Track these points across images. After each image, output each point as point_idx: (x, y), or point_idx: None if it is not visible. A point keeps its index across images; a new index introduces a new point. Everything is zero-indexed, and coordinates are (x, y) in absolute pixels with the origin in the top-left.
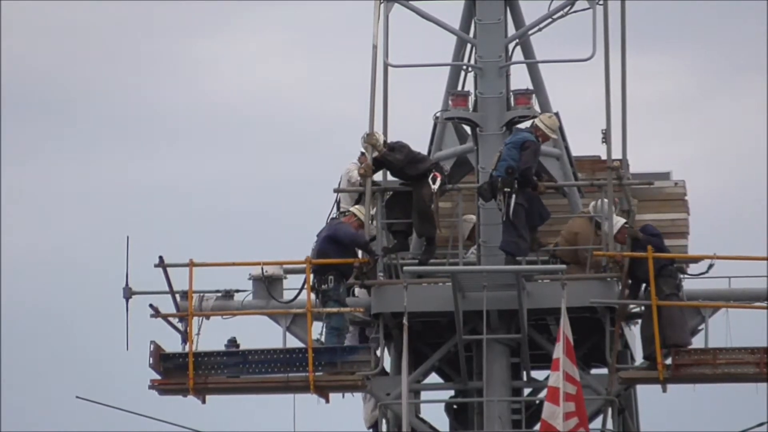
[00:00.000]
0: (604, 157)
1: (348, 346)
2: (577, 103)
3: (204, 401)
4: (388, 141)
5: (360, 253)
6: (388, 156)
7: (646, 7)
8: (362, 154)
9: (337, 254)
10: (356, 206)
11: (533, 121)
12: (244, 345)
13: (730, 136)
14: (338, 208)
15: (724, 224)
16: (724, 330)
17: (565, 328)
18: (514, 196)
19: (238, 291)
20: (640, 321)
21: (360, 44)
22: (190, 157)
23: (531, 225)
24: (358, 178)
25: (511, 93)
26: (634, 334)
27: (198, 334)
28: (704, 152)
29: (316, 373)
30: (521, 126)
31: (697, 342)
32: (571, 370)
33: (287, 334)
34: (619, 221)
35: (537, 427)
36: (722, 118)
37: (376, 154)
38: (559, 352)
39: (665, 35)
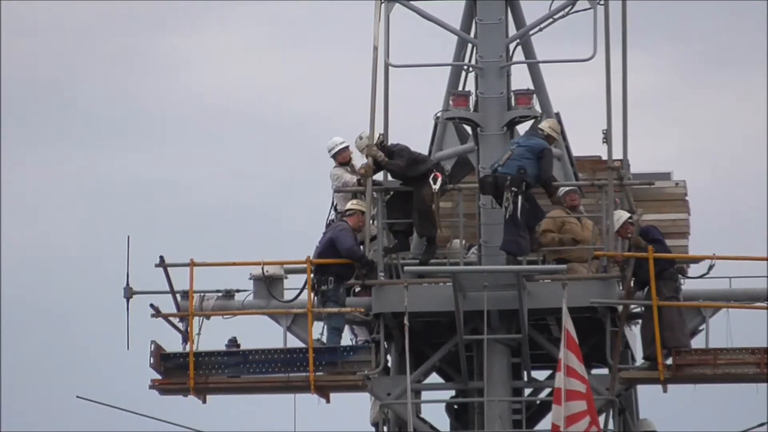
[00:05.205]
0: (604, 157)
1: (349, 346)
2: (577, 103)
3: (204, 401)
4: (389, 143)
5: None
6: (390, 165)
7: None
8: (335, 155)
9: (335, 258)
10: (354, 201)
11: (544, 130)
12: (245, 345)
13: (713, 132)
14: (335, 210)
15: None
16: (724, 330)
17: (568, 326)
18: (520, 196)
19: (238, 291)
20: (640, 321)
21: (354, 41)
22: (190, 156)
23: (528, 225)
24: (348, 180)
25: (512, 93)
26: (634, 334)
27: (199, 333)
28: (687, 148)
29: (317, 373)
30: (520, 125)
31: (697, 342)
32: (580, 369)
33: (288, 334)
34: (622, 216)
35: (537, 427)
36: (699, 114)
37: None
38: (561, 351)
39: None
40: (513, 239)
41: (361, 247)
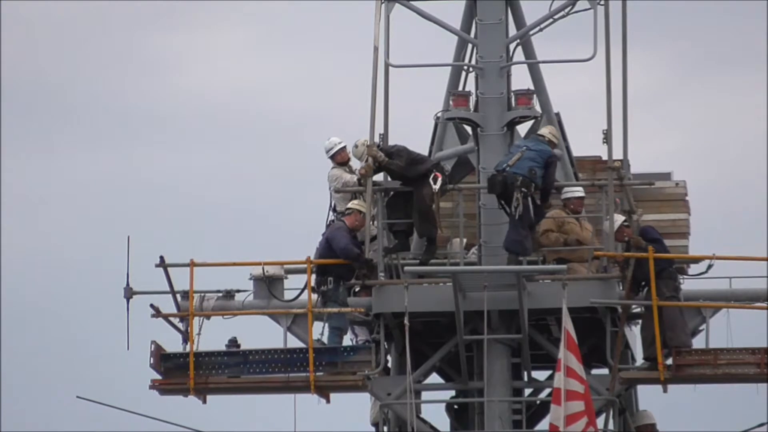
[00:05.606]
0: (604, 157)
1: (349, 346)
2: (577, 103)
3: (204, 401)
4: (388, 143)
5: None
6: (390, 165)
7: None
8: (332, 156)
9: (333, 259)
10: (355, 201)
11: (545, 136)
12: (245, 345)
13: (713, 131)
14: (334, 211)
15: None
16: (724, 330)
17: (568, 327)
18: (529, 197)
19: (238, 291)
20: (641, 321)
21: (354, 41)
22: (190, 156)
23: (531, 225)
24: (348, 180)
25: (512, 93)
26: (634, 334)
27: (199, 334)
28: (687, 148)
29: (317, 373)
30: (520, 126)
31: (697, 342)
32: (578, 369)
33: (288, 334)
34: (617, 220)
35: (537, 427)
36: (699, 114)
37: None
38: (561, 351)
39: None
40: (518, 239)
41: (363, 246)
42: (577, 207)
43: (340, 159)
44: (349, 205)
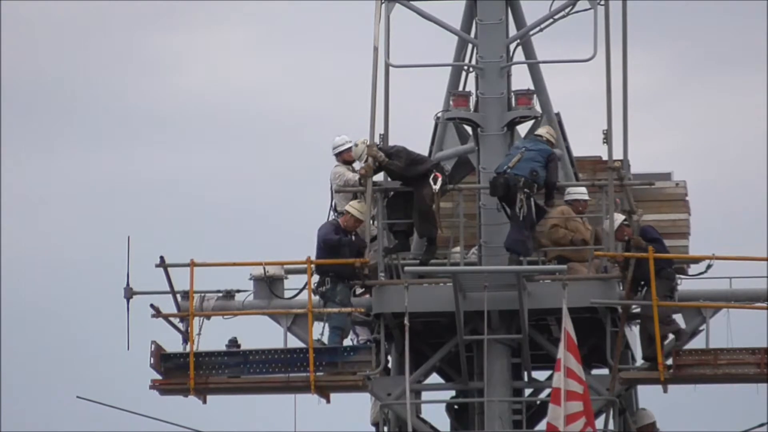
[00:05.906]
0: (605, 157)
1: (349, 346)
2: (577, 103)
3: (205, 401)
4: (389, 144)
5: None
6: (390, 165)
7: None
8: (339, 153)
9: (324, 256)
10: (351, 203)
11: (543, 136)
12: (245, 345)
13: (713, 131)
14: (335, 210)
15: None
16: (724, 330)
17: (568, 327)
18: (532, 198)
19: (239, 291)
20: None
21: (355, 41)
22: (190, 156)
23: (533, 225)
24: (350, 178)
25: (512, 93)
26: (634, 334)
27: (199, 334)
28: (687, 148)
29: (317, 373)
30: (520, 126)
31: (697, 342)
32: (578, 369)
33: (288, 334)
34: (617, 219)
35: (538, 427)
36: (699, 114)
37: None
38: (561, 352)
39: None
40: (520, 239)
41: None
42: (584, 208)
43: (346, 157)
44: (346, 206)
